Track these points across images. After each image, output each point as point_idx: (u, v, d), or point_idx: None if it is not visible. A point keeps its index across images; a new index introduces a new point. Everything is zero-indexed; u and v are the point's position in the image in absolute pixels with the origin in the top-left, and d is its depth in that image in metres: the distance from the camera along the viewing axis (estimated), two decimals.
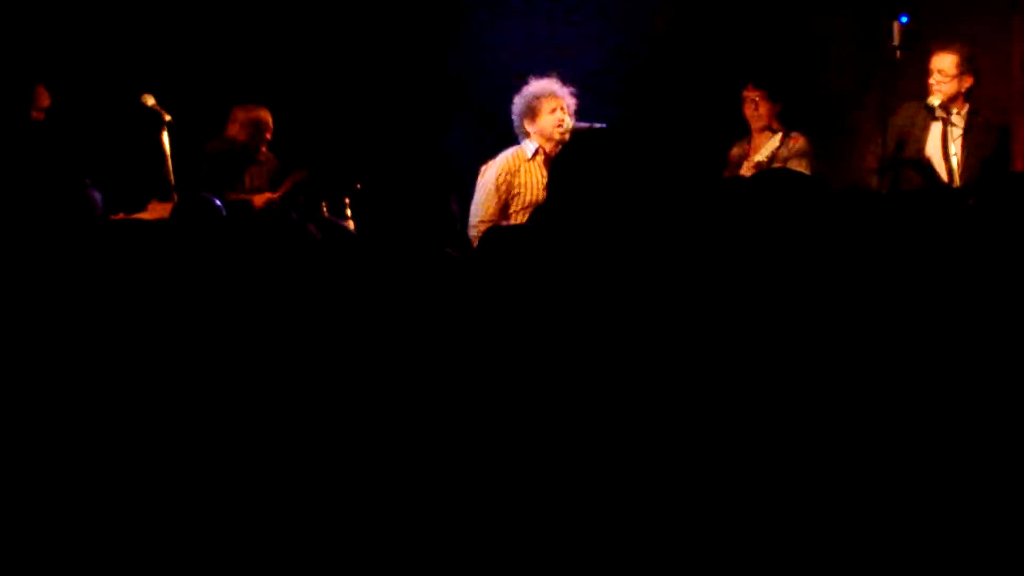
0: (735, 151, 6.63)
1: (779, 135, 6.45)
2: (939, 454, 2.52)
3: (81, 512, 3.00)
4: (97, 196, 4.73)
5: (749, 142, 6.59)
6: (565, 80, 6.15)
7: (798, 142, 6.42)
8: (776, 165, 6.18)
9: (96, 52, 7.42)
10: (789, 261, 2.63)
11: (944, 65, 6.04)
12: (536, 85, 6.09)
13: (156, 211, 6.01)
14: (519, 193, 5.98)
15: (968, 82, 6.04)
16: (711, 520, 2.47)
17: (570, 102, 6.09)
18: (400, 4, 7.81)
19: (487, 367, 2.76)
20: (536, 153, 6.05)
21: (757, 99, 6.51)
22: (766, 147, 6.40)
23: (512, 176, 6.00)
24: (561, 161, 2.73)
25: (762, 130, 6.52)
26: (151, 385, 3.32)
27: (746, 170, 6.27)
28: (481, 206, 5.98)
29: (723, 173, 6.53)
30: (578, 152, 2.69)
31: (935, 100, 6.04)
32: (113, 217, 5.82)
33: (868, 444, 2.49)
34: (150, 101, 6.56)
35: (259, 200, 6.87)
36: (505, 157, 6.07)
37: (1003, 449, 2.52)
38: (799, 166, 6.23)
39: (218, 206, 4.76)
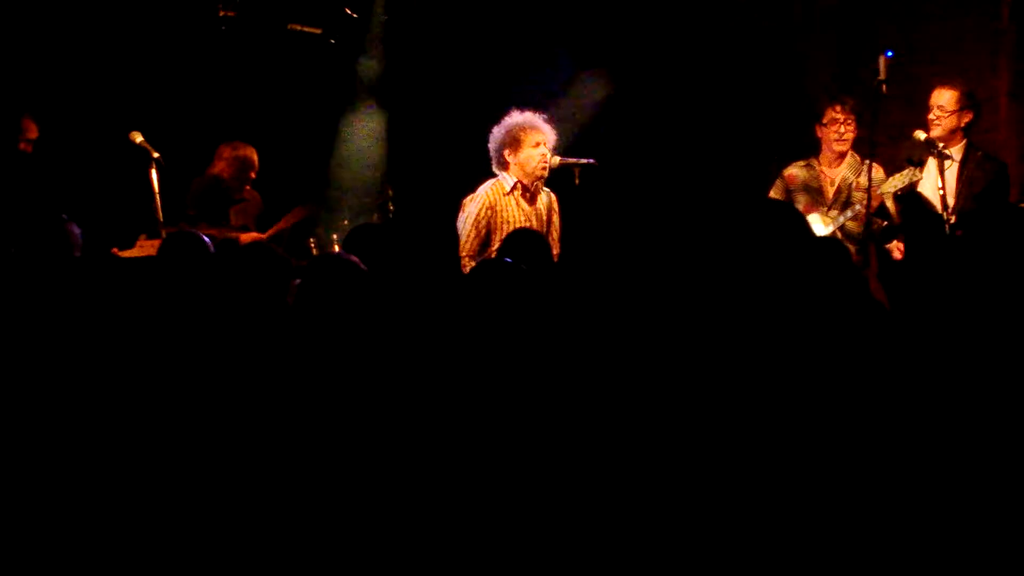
0: (796, 172, 6.41)
1: (891, 168, 6.15)
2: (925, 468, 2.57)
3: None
4: (76, 231, 4.71)
5: (815, 166, 6.40)
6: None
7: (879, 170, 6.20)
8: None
9: (85, 88, 7.42)
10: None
11: (944, 101, 6.09)
12: (519, 117, 6.05)
13: (145, 248, 6.00)
14: (500, 228, 5.98)
15: (967, 117, 6.10)
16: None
17: (552, 138, 6.06)
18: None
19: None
20: (514, 188, 6.04)
21: (850, 122, 6.30)
22: (899, 178, 6.00)
23: (492, 212, 5.98)
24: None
25: (842, 155, 6.35)
26: (137, 413, 3.31)
27: (888, 200, 6.00)
28: (463, 241, 5.99)
29: (778, 193, 6.35)
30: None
31: (921, 135, 6.07)
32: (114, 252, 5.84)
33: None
34: (138, 138, 6.54)
35: (246, 239, 6.83)
36: (484, 192, 6.05)
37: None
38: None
39: (206, 242, 4.74)
